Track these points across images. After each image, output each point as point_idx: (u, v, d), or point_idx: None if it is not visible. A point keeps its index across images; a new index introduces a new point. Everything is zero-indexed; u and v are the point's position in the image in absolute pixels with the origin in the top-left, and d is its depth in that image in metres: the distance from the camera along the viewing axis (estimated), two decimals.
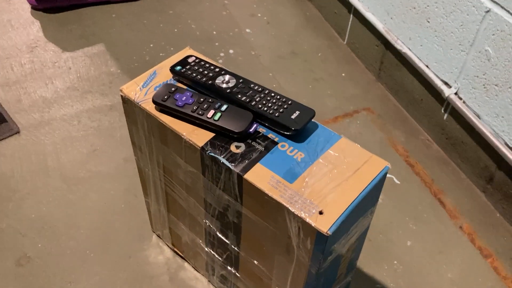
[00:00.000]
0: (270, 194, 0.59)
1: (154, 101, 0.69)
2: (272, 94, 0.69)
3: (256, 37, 1.53)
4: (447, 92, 1.10)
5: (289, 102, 0.68)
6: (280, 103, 0.68)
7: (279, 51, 1.48)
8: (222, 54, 1.45)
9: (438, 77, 1.13)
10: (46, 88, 1.31)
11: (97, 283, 0.92)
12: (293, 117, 0.66)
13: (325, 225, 0.57)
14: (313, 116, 0.67)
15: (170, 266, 0.95)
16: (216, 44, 1.49)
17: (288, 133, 0.65)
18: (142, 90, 0.72)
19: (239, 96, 0.69)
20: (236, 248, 0.76)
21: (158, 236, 1.00)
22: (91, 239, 0.99)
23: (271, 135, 0.66)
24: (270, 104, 0.67)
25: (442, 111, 1.16)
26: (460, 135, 1.12)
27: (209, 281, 0.93)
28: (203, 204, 0.75)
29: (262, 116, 0.66)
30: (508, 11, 0.91)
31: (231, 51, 1.47)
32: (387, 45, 1.29)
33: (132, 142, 0.81)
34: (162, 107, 0.69)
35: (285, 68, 1.42)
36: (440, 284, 0.94)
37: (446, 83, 1.12)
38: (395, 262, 0.97)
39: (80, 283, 0.92)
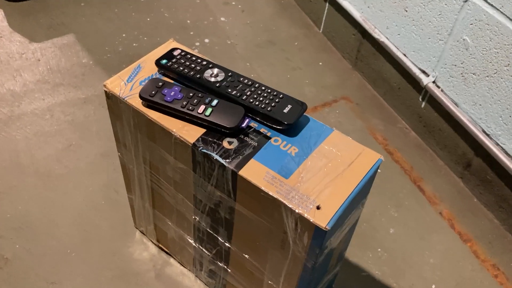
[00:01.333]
0: (266, 190, 0.59)
1: (141, 97, 0.66)
2: (263, 88, 0.68)
3: (232, 26, 1.51)
4: (425, 80, 1.12)
5: (281, 96, 0.67)
6: (271, 97, 0.67)
7: (256, 40, 1.47)
8: (197, 44, 1.43)
9: (416, 66, 1.15)
10: (14, 81, 1.26)
11: (81, 283, 0.90)
12: (285, 111, 0.65)
13: (323, 220, 0.56)
14: (305, 109, 0.66)
15: (156, 262, 0.94)
16: (191, 33, 1.46)
17: (281, 128, 0.65)
18: (127, 85, 0.70)
19: (229, 90, 0.67)
20: (227, 244, 0.75)
21: (142, 232, 0.98)
22: (72, 237, 0.96)
23: (263, 129, 0.65)
24: (261, 98, 0.66)
25: (420, 99, 1.18)
26: (438, 123, 1.14)
27: (196, 276, 0.92)
28: (193, 201, 0.74)
29: (254, 110, 0.65)
30: (486, 1, 0.93)
31: (206, 40, 1.44)
32: (364, 34, 1.30)
33: (115, 138, 0.78)
34: (149, 103, 0.66)
35: (262, 57, 1.41)
36: (423, 269, 0.97)
37: (424, 72, 1.13)
38: (379, 249, 0.99)
39: (63, 284, 0.89)
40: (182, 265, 0.93)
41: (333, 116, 1.25)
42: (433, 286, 0.94)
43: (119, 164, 0.84)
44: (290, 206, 0.57)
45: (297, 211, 0.57)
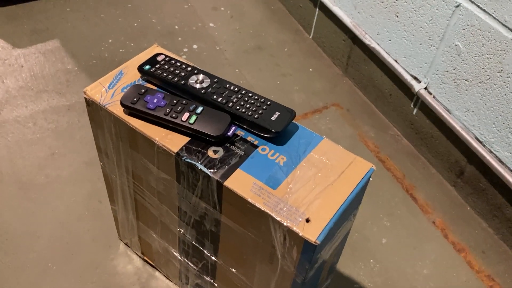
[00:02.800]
0: (253, 202, 0.56)
1: (122, 104, 0.63)
2: (250, 95, 0.65)
3: (220, 32, 1.48)
4: (417, 87, 1.10)
5: (268, 103, 0.64)
6: (258, 104, 0.64)
7: (244, 45, 1.44)
8: (185, 50, 1.40)
9: (408, 72, 1.13)
10: None
11: None
12: (273, 118, 0.62)
13: (313, 233, 0.54)
14: (294, 117, 0.63)
15: (141, 275, 0.90)
16: (179, 39, 1.43)
17: (268, 136, 0.62)
18: (108, 91, 0.67)
19: (215, 97, 0.64)
20: (213, 257, 0.72)
21: (126, 244, 0.94)
22: (53, 250, 0.93)
23: (250, 138, 0.63)
24: (248, 105, 0.64)
25: (412, 106, 1.16)
26: (430, 130, 1.12)
27: None
28: (177, 212, 0.71)
29: (241, 118, 0.63)
30: (478, 6, 0.91)
31: (194, 46, 1.42)
32: (355, 39, 1.28)
33: (97, 147, 0.75)
34: (131, 110, 0.63)
35: (251, 63, 1.38)
36: (417, 280, 0.94)
37: (415, 78, 1.11)
38: (371, 260, 0.96)
39: None
40: (167, 278, 0.90)
41: (323, 123, 1.23)
42: None
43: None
44: (278, 219, 0.55)
45: (285, 224, 0.54)
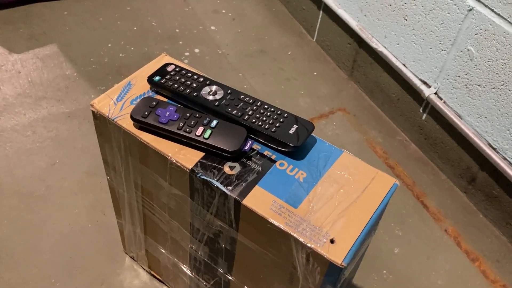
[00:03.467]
0: (274, 222, 0.53)
1: (132, 118, 0.60)
2: (266, 107, 0.62)
3: (222, 35, 1.45)
4: (427, 92, 1.08)
5: (285, 115, 0.62)
6: (275, 117, 0.61)
7: (247, 49, 1.41)
8: (187, 54, 1.37)
9: (417, 77, 1.10)
10: None
11: None
12: (291, 132, 0.60)
13: (338, 255, 0.51)
14: (313, 130, 0.61)
15: None
16: (180, 42, 1.40)
17: (286, 150, 0.59)
18: (117, 104, 0.64)
19: (229, 109, 0.62)
20: (227, 275, 0.69)
21: (132, 258, 0.91)
22: (56, 265, 0.89)
23: (267, 152, 0.60)
24: (264, 118, 0.61)
25: (421, 111, 1.13)
26: (440, 136, 1.10)
27: None
28: (189, 229, 0.68)
29: (257, 131, 0.60)
30: (492, 10, 0.89)
31: (196, 50, 1.39)
32: (361, 43, 1.26)
33: (104, 161, 0.72)
34: (142, 124, 0.60)
35: (255, 67, 1.36)
36: None
37: (425, 83, 1.09)
38: (384, 271, 0.94)
39: None
40: None
41: (330, 129, 1.20)
42: None
43: (106, 183, 0.78)
44: (301, 240, 0.52)
45: (309, 245, 0.52)
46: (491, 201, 1.02)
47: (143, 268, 0.89)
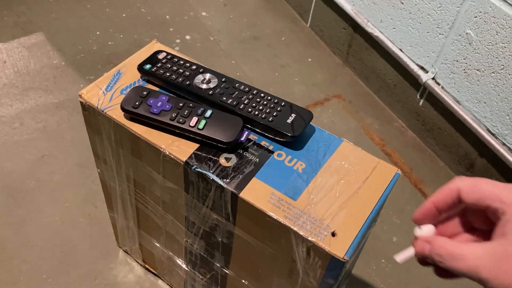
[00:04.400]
0: (273, 215, 0.51)
1: (123, 108, 0.58)
2: (262, 95, 0.60)
3: (214, 21, 1.42)
4: (424, 77, 1.05)
5: (282, 104, 0.59)
6: (272, 105, 0.59)
7: (240, 35, 1.38)
8: (178, 41, 1.33)
9: (414, 62, 1.08)
10: None
11: None
12: (289, 121, 0.57)
13: (340, 249, 0.49)
14: (311, 119, 0.58)
15: (143, 285, 0.85)
16: (171, 29, 1.36)
17: (284, 140, 0.57)
18: (106, 94, 0.61)
19: (224, 98, 0.59)
20: (224, 269, 0.67)
21: (126, 251, 0.89)
22: (48, 260, 0.87)
23: (265, 142, 0.58)
24: (261, 107, 0.58)
25: (418, 96, 1.11)
26: (438, 122, 1.08)
27: None
28: (184, 222, 0.65)
29: (253, 121, 0.57)
30: None
31: (187, 37, 1.35)
32: (356, 28, 1.23)
33: (94, 154, 0.69)
34: (133, 115, 0.58)
35: (248, 54, 1.33)
36: (431, 280, 0.91)
37: (422, 68, 1.07)
38: (383, 260, 0.93)
39: None
40: (171, 287, 0.85)
41: (326, 116, 1.18)
42: None
43: (97, 175, 0.75)
44: (302, 233, 0.50)
45: (309, 239, 0.50)
46: None
47: (137, 262, 0.87)
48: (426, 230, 0.38)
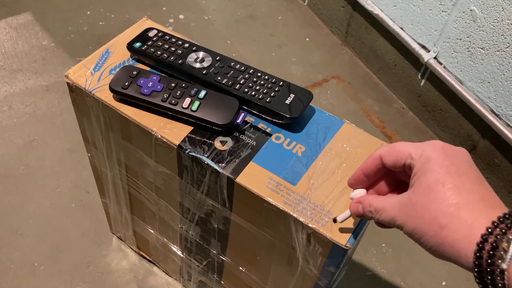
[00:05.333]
0: (271, 201, 0.48)
1: (111, 89, 0.54)
2: (259, 74, 0.57)
3: (208, 0, 1.37)
4: (426, 56, 1.02)
5: (281, 84, 0.56)
6: (269, 85, 0.56)
7: (235, 15, 1.34)
8: (171, 21, 1.29)
9: (415, 41, 1.05)
10: None
11: None
12: (287, 101, 0.54)
13: (342, 236, 0.47)
14: (311, 99, 0.55)
15: (137, 272, 0.83)
16: (164, 9, 1.32)
17: (282, 122, 0.54)
18: (94, 74, 0.58)
19: (219, 78, 0.56)
20: (221, 256, 0.65)
21: (120, 238, 0.86)
22: (39, 248, 0.84)
23: (262, 124, 0.55)
24: (258, 87, 0.55)
25: (419, 77, 1.08)
26: (439, 102, 1.05)
27: (183, 286, 0.82)
28: (179, 209, 0.63)
29: (250, 102, 0.54)
30: None
31: (181, 16, 1.31)
32: (355, 6, 1.19)
33: (83, 137, 0.66)
34: (122, 96, 0.55)
35: (244, 34, 1.29)
36: (432, 264, 0.89)
37: (424, 47, 1.03)
38: (383, 245, 0.91)
39: None
40: (167, 274, 0.83)
41: (324, 98, 1.15)
42: (444, 283, 0.87)
43: (89, 160, 0.72)
44: (302, 219, 0.47)
45: (310, 225, 0.47)
46: (493, 170, 0.98)
47: (132, 249, 0.85)
48: (357, 192, 0.43)
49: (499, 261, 0.30)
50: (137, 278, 0.82)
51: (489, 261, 0.30)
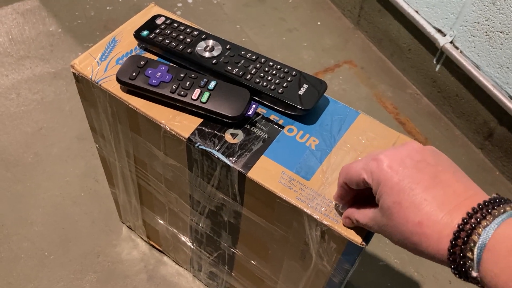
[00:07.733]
0: (284, 197, 0.47)
1: (119, 80, 0.53)
2: (271, 64, 0.55)
3: None
4: (442, 41, 0.99)
5: (293, 73, 0.54)
6: (282, 75, 0.54)
7: None
8: (179, 5, 1.27)
9: (430, 24, 1.01)
10: None
11: None
12: (300, 92, 0.52)
13: (358, 233, 0.45)
14: (325, 90, 0.53)
15: (147, 262, 0.82)
16: None
17: (295, 113, 0.52)
18: (101, 64, 0.56)
19: (229, 68, 0.54)
20: (232, 249, 0.63)
21: (129, 227, 0.86)
22: (49, 237, 0.84)
23: (274, 116, 0.53)
24: (269, 77, 0.53)
25: (434, 61, 1.05)
26: (455, 88, 1.02)
27: (194, 276, 0.81)
28: (189, 201, 0.62)
29: (262, 93, 0.52)
30: None
31: (189, 0, 1.28)
32: None
33: (91, 128, 0.65)
34: (130, 87, 0.53)
35: (253, 18, 1.26)
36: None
37: (439, 31, 1.00)
38: None
39: None
40: (177, 263, 0.82)
41: (336, 83, 1.12)
42: None
43: None
44: (316, 216, 0.46)
45: (324, 222, 0.45)
46: (510, 157, 0.96)
47: (142, 238, 0.84)
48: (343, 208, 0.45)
49: (470, 269, 0.31)
50: (147, 268, 0.82)
51: (461, 269, 0.32)
